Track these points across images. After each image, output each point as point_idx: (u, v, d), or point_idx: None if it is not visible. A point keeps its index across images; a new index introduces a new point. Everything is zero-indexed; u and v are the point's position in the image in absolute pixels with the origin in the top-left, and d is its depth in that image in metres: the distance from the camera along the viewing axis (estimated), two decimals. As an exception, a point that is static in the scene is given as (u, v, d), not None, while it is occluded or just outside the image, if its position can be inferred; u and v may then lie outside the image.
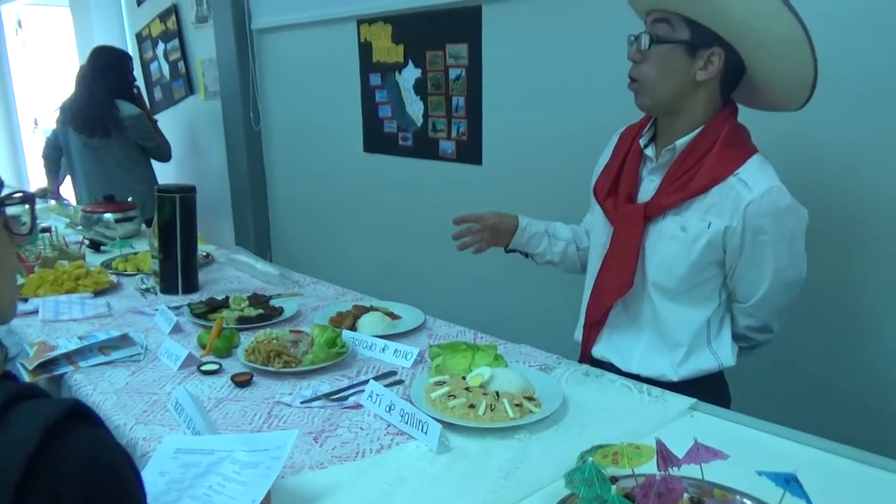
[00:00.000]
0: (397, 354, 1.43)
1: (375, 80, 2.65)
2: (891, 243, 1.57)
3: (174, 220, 1.84)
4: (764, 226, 1.21)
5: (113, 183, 3.24)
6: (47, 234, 2.56)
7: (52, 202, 3.39)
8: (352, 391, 1.27)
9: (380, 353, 1.46)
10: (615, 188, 1.37)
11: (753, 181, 1.20)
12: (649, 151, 1.33)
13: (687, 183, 1.24)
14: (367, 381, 1.28)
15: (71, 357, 1.39)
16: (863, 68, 1.52)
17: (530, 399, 1.16)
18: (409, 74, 2.49)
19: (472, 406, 1.13)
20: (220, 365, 1.38)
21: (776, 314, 1.32)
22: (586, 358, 1.45)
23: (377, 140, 2.72)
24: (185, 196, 1.85)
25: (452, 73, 2.34)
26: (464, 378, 1.23)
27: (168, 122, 3.98)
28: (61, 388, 1.36)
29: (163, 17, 3.89)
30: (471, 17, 2.21)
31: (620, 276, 1.32)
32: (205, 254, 2.28)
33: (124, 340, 1.46)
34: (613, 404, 1.20)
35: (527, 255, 1.60)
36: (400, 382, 1.33)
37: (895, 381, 1.61)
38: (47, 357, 1.37)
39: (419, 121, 2.51)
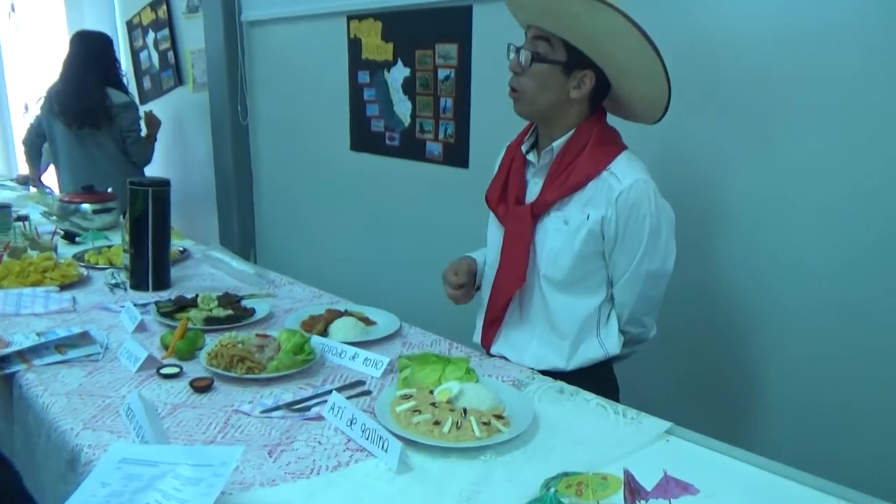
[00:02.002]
0: (367, 363, 1.38)
1: (364, 77, 2.59)
2: (753, 243, 1.70)
3: (146, 214, 1.78)
4: (633, 213, 1.33)
5: (99, 173, 3.16)
6: (20, 224, 2.50)
7: (34, 190, 3.32)
8: (315, 401, 1.21)
9: (349, 360, 1.40)
10: (504, 195, 1.47)
11: (623, 174, 1.33)
12: (531, 157, 1.44)
13: (566, 180, 1.36)
14: (331, 392, 1.23)
15: (24, 355, 1.33)
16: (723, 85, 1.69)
17: (499, 418, 1.11)
18: (398, 73, 2.44)
19: (437, 423, 1.08)
20: (181, 368, 1.33)
21: (644, 306, 1.42)
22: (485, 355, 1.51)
23: (364, 139, 2.67)
24: (158, 190, 1.79)
25: (441, 74, 2.29)
26: (431, 392, 1.17)
27: (156, 112, 3.91)
28: (12, 388, 1.30)
29: (154, 5, 3.83)
30: (461, 16, 2.16)
31: (514, 271, 1.42)
32: (181, 249, 2.23)
33: (83, 339, 1.40)
34: (586, 425, 1.15)
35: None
36: (367, 393, 1.27)
37: (770, 376, 1.72)
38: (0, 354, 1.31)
39: (406, 121, 2.46)
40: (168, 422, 1.14)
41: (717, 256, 1.76)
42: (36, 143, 3.41)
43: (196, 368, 1.34)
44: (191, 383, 1.26)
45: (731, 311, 1.76)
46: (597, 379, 1.42)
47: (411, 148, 2.46)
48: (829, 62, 1.51)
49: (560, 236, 1.38)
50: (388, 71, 2.48)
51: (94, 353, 1.38)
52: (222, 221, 3.45)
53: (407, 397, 1.16)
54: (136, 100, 4.12)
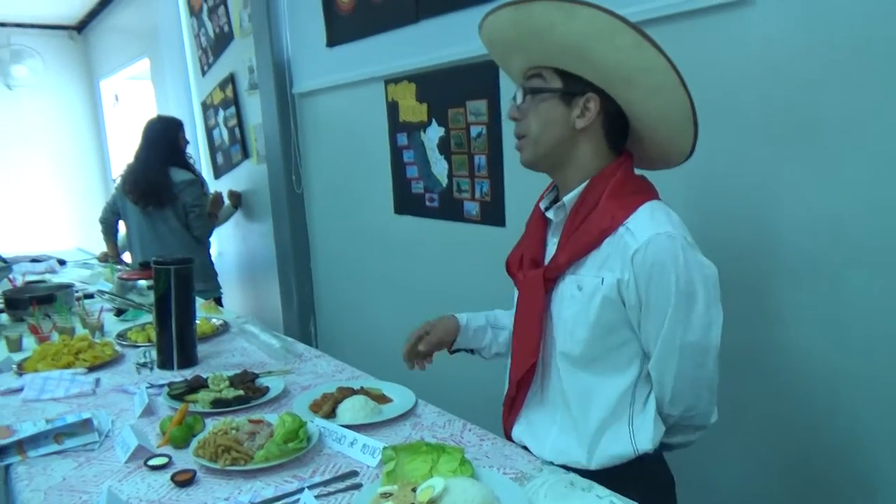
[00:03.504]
0: (365, 450, 1.26)
1: (402, 139, 2.56)
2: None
3: (169, 292, 1.78)
4: (654, 274, 1.11)
5: (165, 248, 3.31)
6: (88, 301, 2.60)
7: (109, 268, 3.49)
8: (293, 498, 1.11)
9: (348, 447, 1.29)
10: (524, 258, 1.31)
11: (640, 229, 1.13)
12: (550, 214, 1.27)
13: (578, 239, 1.18)
14: (317, 485, 1.13)
15: (22, 445, 1.31)
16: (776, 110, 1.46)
17: (485, 522, 0.96)
18: (433, 133, 2.39)
19: (412, 529, 0.95)
20: (170, 459, 1.26)
21: (689, 387, 1.18)
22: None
23: (406, 201, 2.62)
24: (180, 268, 1.79)
25: (473, 131, 2.21)
26: (414, 490, 1.04)
27: (229, 186, 4.08)
28: (6, 480, 1.28)
29: (222, 85, 4.03)
30: (488, 71, 2.08)
31: (526, 345, 1.25)
32: (221, 323, 2.22)
33: (84, 427, 1.38)
34: (592, 530, 0.98)
35: (472, 352, 1.51)
36: (357, 487, 1.16)
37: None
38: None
39: (444, 181, 2.39)
40: (136, 522, 1.07)
41: (785, 314, 1.51)
42: (111, 221, 3.62)
43: (187, 458, 1.27)
44: (172, 477, 1.19)
45: (809, 380, 1.49)
46: (641, 470, 1.21)
47: (450, 208, 2.38)
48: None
49: (574, 304, 1.19)
50: (424, 131, 2.43)
51: (91, 443, 1.34)
52: (283, 289, 3.48)
53: (386, 496, 1.04)
54: (212, 176, 4.34)
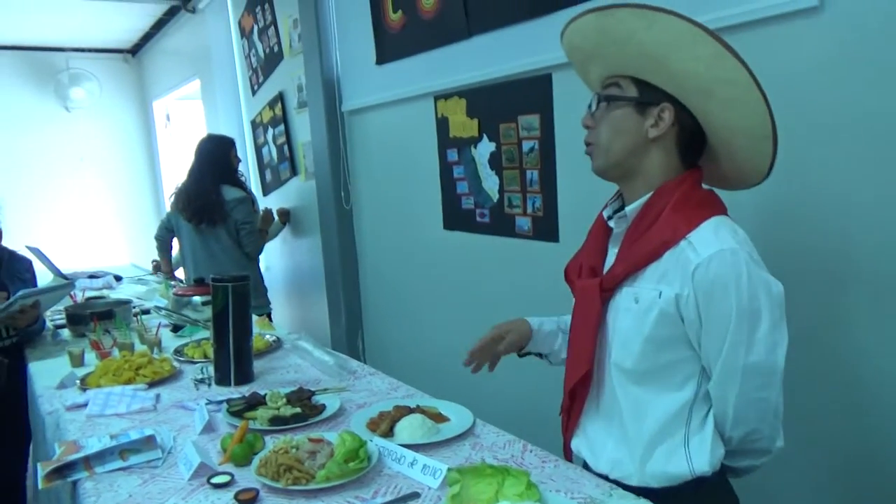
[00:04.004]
0: (425, 471, 1.24)
1: (452, 155, 2.56)
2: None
3: (227, 309, 1.80)
4: (715, 291, 1.08)
5: (217, 265, 3.37)
6: (145, 317, 2.66)
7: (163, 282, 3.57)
8: (357, 520, 1.10)
9: (408, 467, 1.28)
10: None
11: (702, 244, 1.09)
12: (612, 223, 1.25)
13: (637, 250, 1.16)
14: (380, 507, 1.11)
15: (89, 461, 1.33)
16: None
17: (556, 550, 0.93)
18: (484, 149, 2.38)
19: (481, 556, 0.92)
20: (233, 476, 1.27)
21: (753, 410, 1.13)
22: (567, 453, 1.33)
23: (456, 217, 2.61)
24: (237, 285, 1.81)
25: (525, 146, 2.19)
26: (481, 514, 1.02)
27: (277, 203, 4.15)
28: (74, 496, 1.30)
29: (272, 104, 4.10)
30: (541, 85, 2.07)
31: (579, 356, 1.24)
32: (274, 339, 2.24)
33: (147, 443, 1.39)
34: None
35: (541, 356, 1.51)
36: (419, 509, 1.14)
37: None
38: (66, 461, 1.32)
39: (495, 196, 2.37)
40: (202, 542, 1.07)
41: (862, 331, 1.44)
42: (166, 238, 3.71)
43: (249, 476, 1.27)
44: (236, 495, 1.19)
45: (888, 402, 1.42)
46: (703, 493, 1.17)
47: (501, 224, 2.36)
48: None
49: (629, 316, 1.17)
50: (475, 147, 2.42)
51: (154, 459, 1.36)
52: (331, 304, 3.50)
53: (452, 520, 1.02)
54: (260, 193, 4.42)
